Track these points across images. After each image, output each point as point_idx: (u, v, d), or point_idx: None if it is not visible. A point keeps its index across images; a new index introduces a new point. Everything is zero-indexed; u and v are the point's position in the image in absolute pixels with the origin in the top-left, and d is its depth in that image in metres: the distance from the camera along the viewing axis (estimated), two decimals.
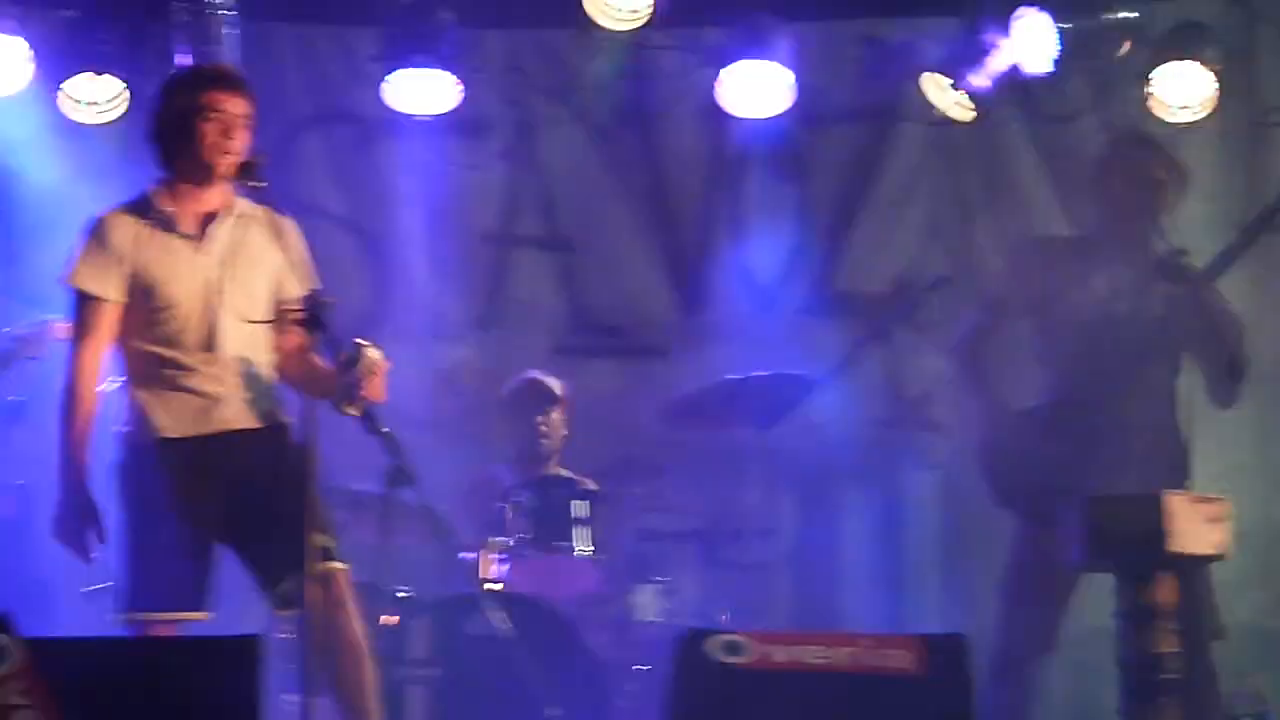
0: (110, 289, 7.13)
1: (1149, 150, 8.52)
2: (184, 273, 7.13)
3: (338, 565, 7.07)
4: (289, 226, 7.33)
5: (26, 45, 9.75)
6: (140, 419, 7.17)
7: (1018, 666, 8.08)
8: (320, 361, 7.10)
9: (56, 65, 9.88)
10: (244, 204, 7.27)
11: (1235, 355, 8.01)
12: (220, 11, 9.69)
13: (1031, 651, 8.08)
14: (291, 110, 10.28)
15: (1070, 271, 8.34)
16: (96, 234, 7.19)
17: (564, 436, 9.87)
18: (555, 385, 9.85)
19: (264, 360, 7.19)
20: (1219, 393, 8.26)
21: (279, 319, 7.20)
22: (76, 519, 7.04)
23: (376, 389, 6.87)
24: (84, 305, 7.19)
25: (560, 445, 9.83)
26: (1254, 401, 8.68)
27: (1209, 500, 7.07)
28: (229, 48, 9.68)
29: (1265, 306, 8.38)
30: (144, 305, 7.14)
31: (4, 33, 9.72)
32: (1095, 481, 7.95)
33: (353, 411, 6.86)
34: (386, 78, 10.08)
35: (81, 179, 10.04)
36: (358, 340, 6.86)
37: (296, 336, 7.20)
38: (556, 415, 9.79)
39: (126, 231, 7.17)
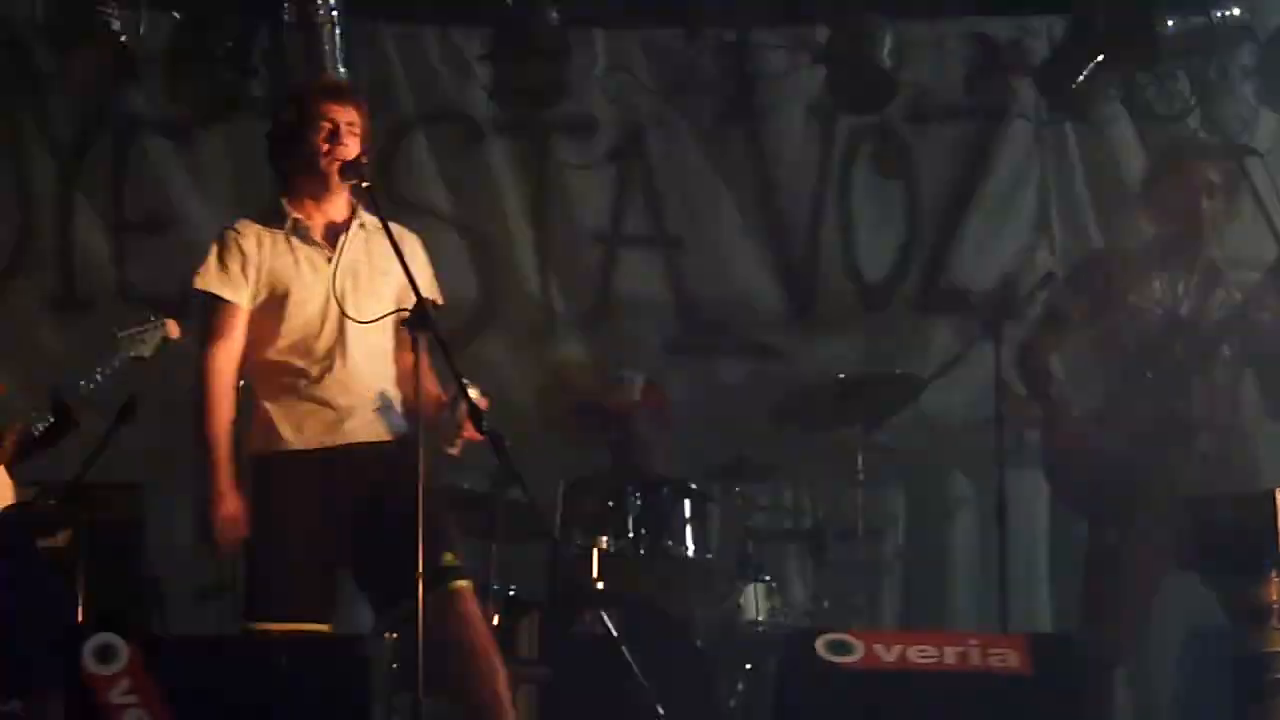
0: (242, 294, 7.19)
1: (1196, 159, 8.58)
2: (311, 282, 7.20)
3: (463, 584, 7.10)
4: (412, 240, 7.35)
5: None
6: (267, 430, 7.23)
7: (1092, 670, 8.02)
8: (434, 385, 7.10)
9: (159, 70, 9.95)
10: (369, 217, 7.32)
11: None
12: (327, 13, 9.75)
13: (1102, 654, 7.99)
14: (398, 109, 10.29)
15: (1128, 280, 8.42)
16: (229, 240, 7.26)
17: (658, 438, 9.80)
18: (633, 391, 9.82)
19: (389, 373, 7.23)
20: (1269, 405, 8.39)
21: (398, 332, 7.23)
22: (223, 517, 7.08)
23: (470, 431, 6.91)
24: (215, 309, 7.24)
25: (655, 445, 9.76)
26: None
27: None
28: (335, 47, 9.75)
29: None
30: (273, 314, 7.20)
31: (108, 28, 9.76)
32: (1159, 480, 8.05)
33: (452, 451, 7.04)
34: (493, 76, 10.09)
35: (191, 179, 10.16)
36: (463, 380, 6.91)
37: (412, 356, 7.10)
38: (662, 413, 9.76)
39: (258, 239, 7.24)
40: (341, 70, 9.75)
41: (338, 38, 9.81)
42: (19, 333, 8.86)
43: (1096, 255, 9.28)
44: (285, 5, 9.78)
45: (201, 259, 7.24)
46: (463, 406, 6.84)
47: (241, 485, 7.14)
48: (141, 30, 10.02)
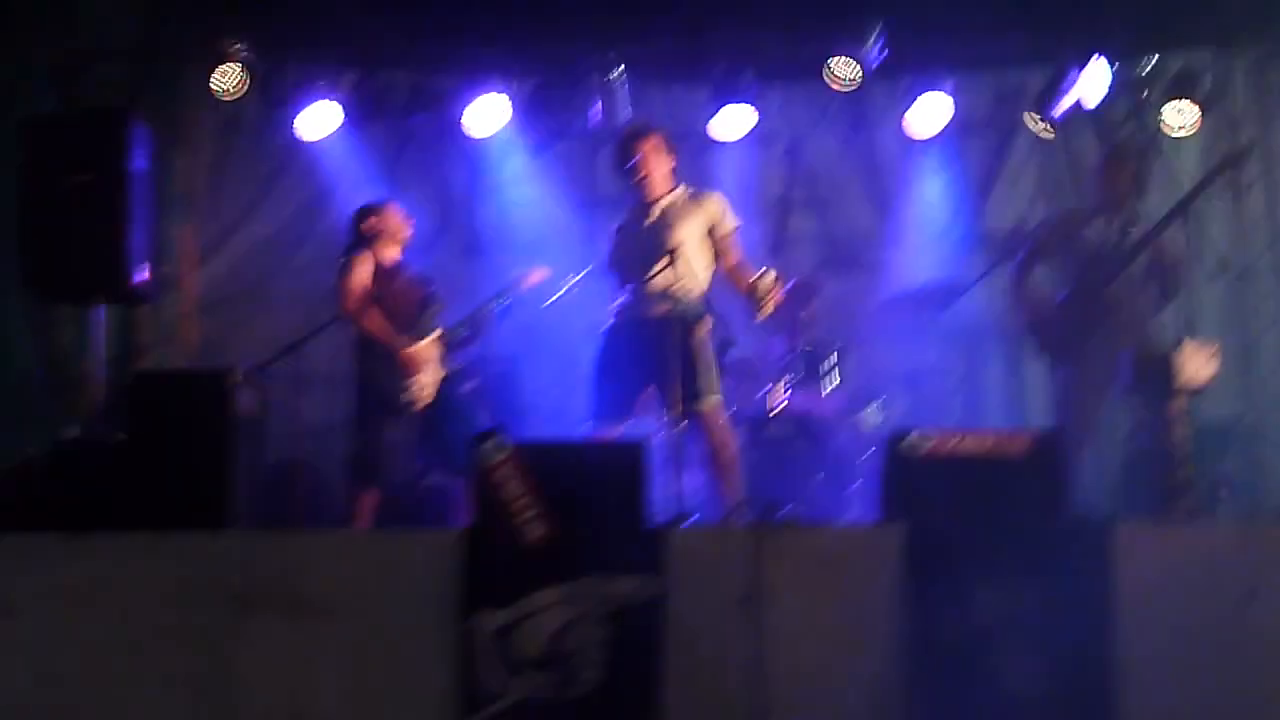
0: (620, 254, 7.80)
1: (1129, 156, 8.53)
2: (647, 230, 7.63)
3: (715, 398, 7.46)
4: (710, 196, 7.83)
5: (508, 99, 9.88)
6: (625, 308, 7.69)
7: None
8: (750, 271, 7.55)
9: (525, 113, 10.00)
10: (680, 189, 7.78)
11: (1175, 280, 7.99)
12: (620, 79, 9.81)
13: (1073, 442, 7.75)
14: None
15: (1080, 223, 8.40)
16: (619, 230, 7.88)
17: (817, 318, 9.60)
18: (813, 285, 9.75)
19: (698, 272, 7.46)
20: (1167, 296, 8.19)
21: (718, 248, 7.66)
22: None
23: (775, 300, 7.42)
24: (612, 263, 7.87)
25: (814, 323, 9.57)
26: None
27: (1208, 345, 6.92)
28: (624, 99, 9.81)
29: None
30: (634, 251, 7.67)
31: (494, 91, 9.87)
32: (1098, 339, 8.05)
33: (764, 314, 7.49)
34: (716, 114, 10.06)
35: (538, 180, 10.31)
36: (764, 268, 7.46)
37: (732, 259, 7.67)
38: (814, 304, 9.62)
39: (621, 228, 7.88)
40: (629, 109, 9.77)
41: (626, 93, 9.81)
42: (442, 271, 8.90)
43: (1062, 212, 9.08)
44: (595, 74, 9.79)
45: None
46: (768, 282, 7.38)
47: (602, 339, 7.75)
48: (514, 90, 10.02)
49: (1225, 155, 8.22)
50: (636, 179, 7.74)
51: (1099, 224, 8.32)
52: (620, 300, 7.74)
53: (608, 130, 9.58)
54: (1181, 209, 7.61)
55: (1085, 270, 8.24)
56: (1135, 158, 8.48)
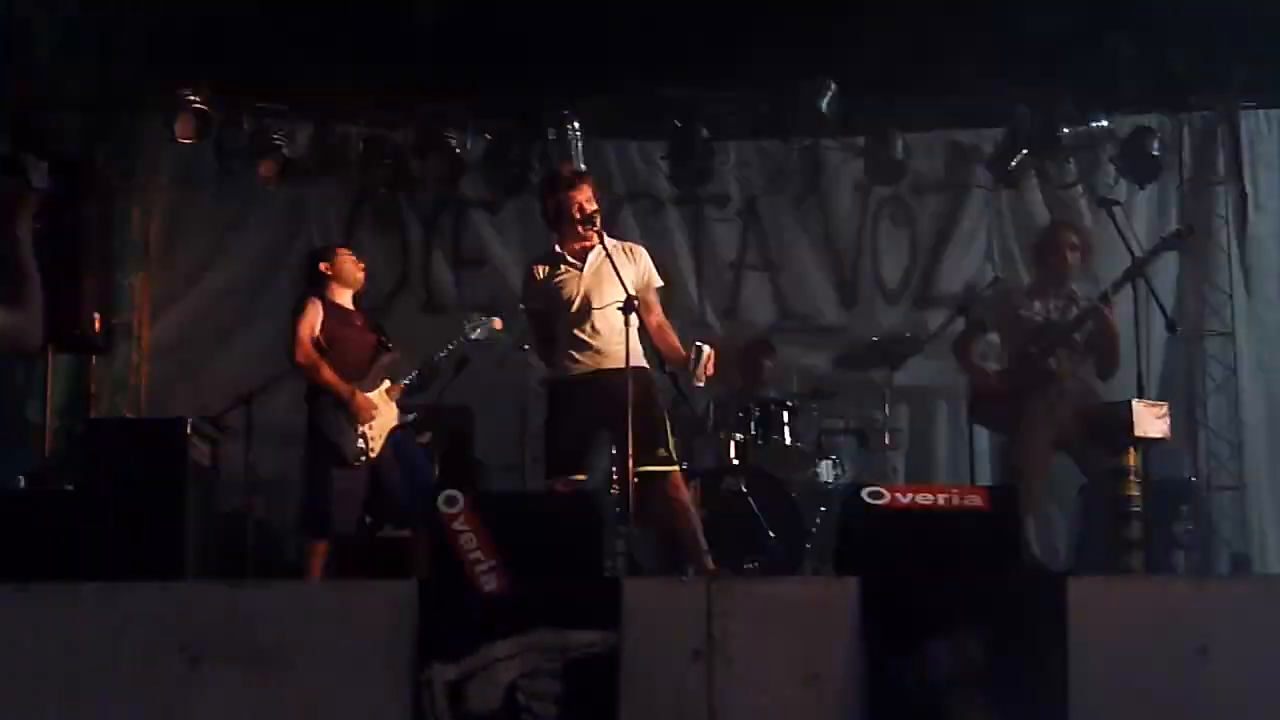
0: (535, 304, 7.41)
1: (1071, 230, 8.58)
2: (573, 286, 7.25)
3: (674, 468, 7.19)
4: (639, 250, 7.48)
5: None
6: (558, 367, 7.33)
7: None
8: (673, 339, 7.29)
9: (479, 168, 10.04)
10: (609, 241, 7.34)
11: (1113, 355, 7.94)
12: (574, 134, 9.84)
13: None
14: (613, 189, 10.17)
15: (1022, 302, 8.36)
16: (530, 274, 7.44)
17: (775, 374, 9.67)
18: (772, 342, 9.76)
19: (625, 331, 7.08)
20: (1103, 375, 8.14)
21: (641, 306, 7.16)
22: None
23: (710, 370, 7.07)
24: (530, 318, 7.53)
25: (771, 379, 9.62)
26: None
27: (1158, 405, 6.91)
28: (578, 154, 9.78)
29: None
30: (558, 307, 7.29)
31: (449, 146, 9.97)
32: (1038, 407, 7.97)
33: (699, 384, 7.14)
34: (669, 169, 10.06)
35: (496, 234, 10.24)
36: (698, 342, 7.10)
37: (656, 317, 7.33)
38: (771, 361, 9.63)
39: (542, 271, 7.37)
40: (582, 166, 9.50)
41: (580, 148, 9.82)
42: (403, 327, 8.83)
43: (999, 289, 8.98)
44: (550, 130, 9.84)
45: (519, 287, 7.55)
46: (704, 357, 7.03)
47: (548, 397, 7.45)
48: (468, 145, 10.07)
49: (1165, 236, 8.17)
50: (586, 227, 7.29)
51: (1040, 302, 8.35)
52: (564, 352, 7.34)
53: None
54: (1127, 279, 7.58)
55: (1026, 343, 8.25)
56: (1073, 234, 8.51)
